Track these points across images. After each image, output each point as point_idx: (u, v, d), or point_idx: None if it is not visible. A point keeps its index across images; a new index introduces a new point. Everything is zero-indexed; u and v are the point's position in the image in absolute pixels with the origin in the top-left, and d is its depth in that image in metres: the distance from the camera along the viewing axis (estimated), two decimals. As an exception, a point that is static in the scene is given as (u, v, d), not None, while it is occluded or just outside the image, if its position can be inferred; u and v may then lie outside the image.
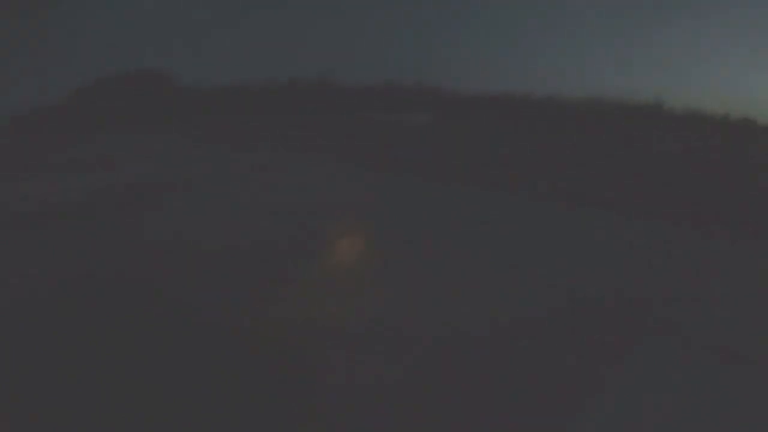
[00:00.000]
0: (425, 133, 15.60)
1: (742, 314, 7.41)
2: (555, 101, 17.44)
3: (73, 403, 4.90)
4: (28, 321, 6.04)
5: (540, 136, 15.57)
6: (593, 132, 16.01)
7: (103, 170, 11.41)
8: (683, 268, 8.76)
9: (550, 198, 11.61)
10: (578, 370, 5.75)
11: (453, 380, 5.47)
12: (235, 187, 10.93)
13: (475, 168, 13.13)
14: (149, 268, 7.44)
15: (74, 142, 13.02)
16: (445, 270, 7.87)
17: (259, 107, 15.45)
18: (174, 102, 15.09)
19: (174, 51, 16.51)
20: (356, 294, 7.00)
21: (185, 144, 13.07)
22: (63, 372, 5.20)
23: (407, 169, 12.70)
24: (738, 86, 19.12)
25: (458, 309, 6.84)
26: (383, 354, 5.74)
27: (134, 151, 12.54)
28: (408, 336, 6.13)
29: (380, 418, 4.92)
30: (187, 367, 5.40)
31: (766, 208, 11.92)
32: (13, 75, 14.79)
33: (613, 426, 5.07)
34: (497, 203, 11.44)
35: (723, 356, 6.27)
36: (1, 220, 9.27)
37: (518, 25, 20.53)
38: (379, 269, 7.84)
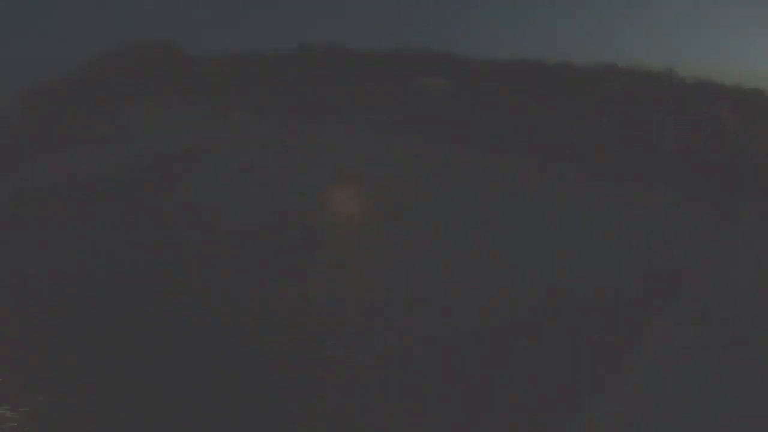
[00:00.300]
0: (440, 98, 15.58)
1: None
2: (568, 67, 17.38)
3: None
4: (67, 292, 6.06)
5: (551, 101, 15.56)
6: (607, 98, 16.00)
7: (124, 143, 11.38)
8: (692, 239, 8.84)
9: (560, 161, 11.65)
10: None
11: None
12: (258, 155, 10.89)
13: (489, 132, 13.14)
14: (189, 238, 7.44)
15: (91, 115, 12.95)
16: (469, 233, 7.89)
17: (271, 76, 15.35)
18: (186, 72, 15.00)
19: (182, 21, 16.40)
20: (380, 259, 7.01)
21: (202, 114, 13.00)
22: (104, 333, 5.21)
23: (422, 133, 12.70)
24: (749, 57, 19.12)
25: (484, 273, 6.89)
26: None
27: (152, 122, 12.48)
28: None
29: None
30: (219, 342, 5.40)
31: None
32: (21, 47, 14.70)
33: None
34: (508, 166, 11.49)
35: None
36: (25, 196, 9.25)
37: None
38: (401, 231, 7.83)
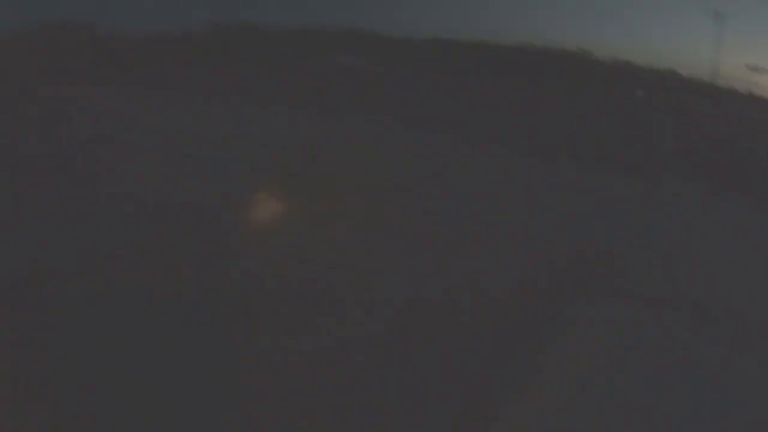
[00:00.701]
0: (359, 76, 15.53)
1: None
2: (483, 46, 17.52)
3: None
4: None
5: (469, 79, 15.63)
6: (524, 79, 16.17)
7: (35, 127, 10.99)
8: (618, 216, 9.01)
9: (473, 140, 11.72)
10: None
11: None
12: (173, 139, 10.69)
13: (407, 109, 13.16)
14: (106, 226, 7.22)
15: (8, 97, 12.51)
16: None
17: (184, 57, 15.09)
18: (103, 54, 14.62)
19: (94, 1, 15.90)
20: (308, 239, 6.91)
21: (126, 97, 12.70)
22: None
23: (345, 112, 12.65)
24: (667, 37, 19.63)
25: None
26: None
27: (75, 104, 12.13)
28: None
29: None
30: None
31: (688, 154, 12.31)
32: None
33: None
34: (425, 144, 11.55)
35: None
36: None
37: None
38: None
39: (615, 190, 8.28)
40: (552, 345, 5.37)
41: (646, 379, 5.11)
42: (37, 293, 4.20)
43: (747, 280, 7.21)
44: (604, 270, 7.33)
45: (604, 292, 6.71)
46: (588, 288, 6.64)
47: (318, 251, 5.21)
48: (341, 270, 4.94)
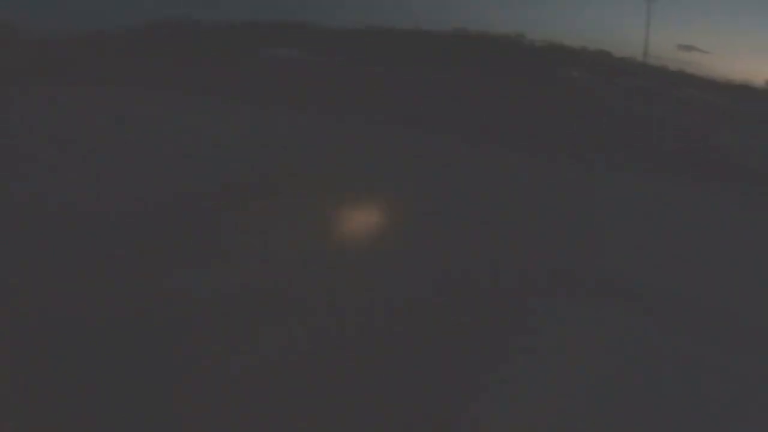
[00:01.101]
0: (292, 68, 15.57)
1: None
2: (420, 34, 17.64)
3: None
4: None
5: (405, 67, 15.79)
6: (459, 63, 16.34)
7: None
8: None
9: (411, 123, 11.90)
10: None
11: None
12: (103, 131, 10.59)
13: (340, 99, 13.28)
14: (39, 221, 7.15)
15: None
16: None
17: (120, 51, 14.98)
18: (22, 53, 14.46)
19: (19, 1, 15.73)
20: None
21: (43, 93, 12.57)
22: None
23: (277, 103, 12.69)
24: (598, 24, 20.08)
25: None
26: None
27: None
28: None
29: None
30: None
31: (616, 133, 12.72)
32: None
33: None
34: (361, 130, 11.68)
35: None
36: None
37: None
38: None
39: (547, 170, 8.50)
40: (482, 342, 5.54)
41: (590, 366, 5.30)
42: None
43: (681, 259, 7.38)
44: (529, 248, 7.48)
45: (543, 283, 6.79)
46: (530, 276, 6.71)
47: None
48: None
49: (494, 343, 5.50)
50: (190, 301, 5.69)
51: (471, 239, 7.60)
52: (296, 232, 7.40)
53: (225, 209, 7.85)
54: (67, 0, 15.86)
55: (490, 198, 8.97)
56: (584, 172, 10.30)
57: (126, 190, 8.10)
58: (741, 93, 18.94)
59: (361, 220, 8.01)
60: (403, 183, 9.28)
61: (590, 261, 7.23)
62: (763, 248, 8.53)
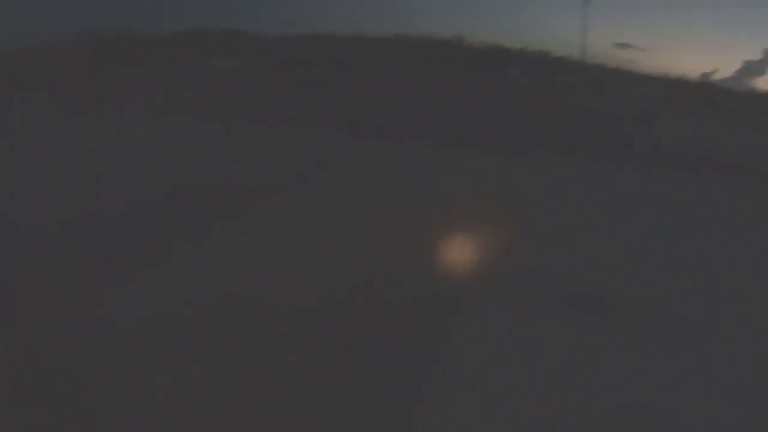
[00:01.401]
0: (233, 76, 15.53)
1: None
2: (355, 40, 17.75)
3: None
4: None
5: (345, 73, 15.85)
6: (397, 66, 16.46)
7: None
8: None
9: (356, 128, 11.96)
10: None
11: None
12: (54, 144, 10.43)
13: (282, 106, 13.30)
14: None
15: None
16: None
17: (62, 64, 14.79)
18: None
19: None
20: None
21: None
22: None
23: (218, 113, 12.63)
24: (536, 25, 20.50)
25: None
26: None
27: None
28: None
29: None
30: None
31: (557, 130, 12.93)
32: None
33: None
34: (300, 136, 11.70)
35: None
36: None
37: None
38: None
39: (490, 166, 8.49)
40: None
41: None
42: None
43: (607, 248, 7.42)
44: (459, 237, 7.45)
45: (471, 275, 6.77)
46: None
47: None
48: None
49: (450, 358, 5.29)
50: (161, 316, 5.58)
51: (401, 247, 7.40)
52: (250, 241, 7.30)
53: (159, 223, 7.67)
54: (1, 15, 15.67)
55: (437, 199, 8.96)
56: (527, 168, 10.42)
57: (53, 204, 7.92)
58: (677, 86, 19.46)
59: (309, 230, 7.92)
60: (344, 188, 9.22)
61: (522, 259, 7.08)
62: (700, 235, 8.56)
